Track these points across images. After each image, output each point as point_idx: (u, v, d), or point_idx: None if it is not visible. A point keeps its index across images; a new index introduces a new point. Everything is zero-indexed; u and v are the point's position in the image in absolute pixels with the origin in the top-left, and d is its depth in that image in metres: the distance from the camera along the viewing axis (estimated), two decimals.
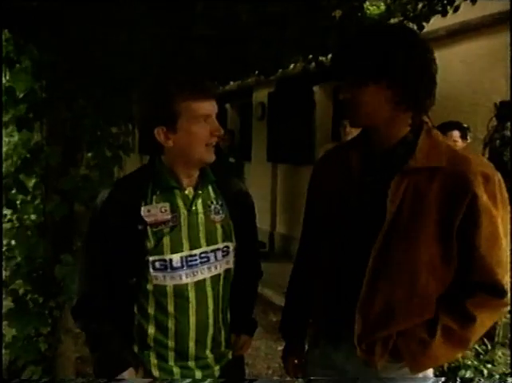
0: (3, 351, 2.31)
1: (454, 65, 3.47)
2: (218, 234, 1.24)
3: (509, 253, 1.07)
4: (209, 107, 1.16)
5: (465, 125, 2.84)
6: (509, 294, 1.06)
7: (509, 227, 1.08)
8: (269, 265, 5.23)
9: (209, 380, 1.27)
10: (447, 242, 1.04)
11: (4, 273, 2.32)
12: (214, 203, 1.25)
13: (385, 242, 1.06)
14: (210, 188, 1.26)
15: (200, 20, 2.22)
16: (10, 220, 2.49)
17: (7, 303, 2.32)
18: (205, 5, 2.15)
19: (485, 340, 1.86)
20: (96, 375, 1.21)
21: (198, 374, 1.24)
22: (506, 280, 1.06)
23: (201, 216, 1.22)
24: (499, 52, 3.06)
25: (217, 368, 1.28)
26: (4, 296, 2.28)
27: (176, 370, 1.22)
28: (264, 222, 6.00)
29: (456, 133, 2.80)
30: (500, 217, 1.05)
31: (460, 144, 2.81)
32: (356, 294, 1.09)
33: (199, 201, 1.23)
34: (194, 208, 1.21)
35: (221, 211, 1.25)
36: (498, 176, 1.06)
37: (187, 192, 1.21)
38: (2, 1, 1.85)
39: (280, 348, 3.27)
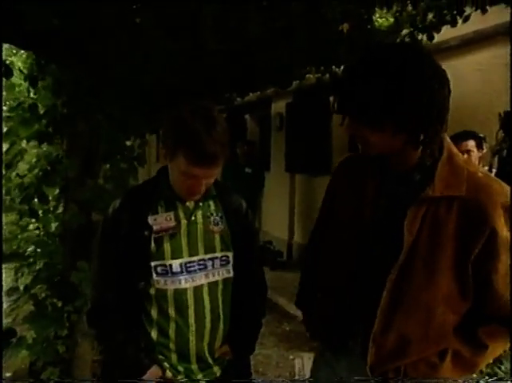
0: (24, 352, 2.43)
1: (470, 74, 3.44)
2: (216, 244, 1.30)
3: None
4: (200, 172, 1.17)
5: (480, 135, 2.80)
6: None
7: None
8: (287, 274, 5.29)
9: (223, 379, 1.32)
10: (465, 276, 1.00)
11: (25, 278, 2.46)
12: (214, 214, 1.32)
13: (401, 273, 1.01)
14: (211, 202, 1.33)
15: (211, 35, 2.31)
16: (37, 228, 2.64)
17: (29, 308, 2.45)
18: (215, 22, 2.25)
19: None
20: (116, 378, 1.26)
21: (200, 376, 1.30)
22: None
23: (200, 226, 1.29)
24: None
25: (217, 368, 1.33)
26: (23, 301, 2.41)
27: (181, 369, 1.29)
28: (282, 231, 6.03)
29: (471, 143, 2.76)
30: None
31: (475, 153, 2.77)
32: (369, 322, 1.06)
33: (199, 212, 1.30)
34: (193, 218, 1.29)
35: (220, 223, 1.32)
36: None
37: (187, 204, 1.30)
38: (24, 21, 2.00)
39: (291, 357, 3.29)
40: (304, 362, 3.14)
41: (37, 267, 2.49)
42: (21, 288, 2.47)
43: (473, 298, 1.03)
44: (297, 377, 2.89)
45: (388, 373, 1.07)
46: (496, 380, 1.61)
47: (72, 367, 2.52)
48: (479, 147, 2.77)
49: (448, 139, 1.06)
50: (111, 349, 1.30)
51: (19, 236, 2.54)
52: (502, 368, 1.68)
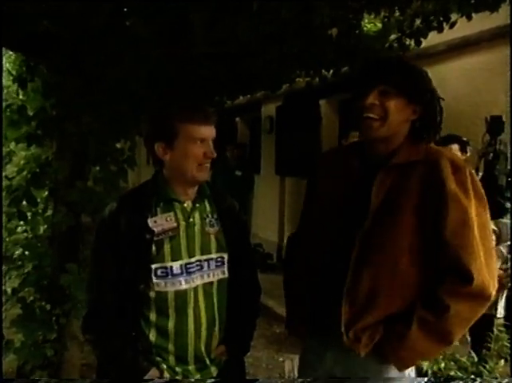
0: (12, 356, 2.41)
1: (455, 78, 3.51)
2: (211, 245, 1.33)
3: (480, 241, 1.11)
4: (205, 131, 1.27)
5: (464, 139, 2.85)
6: (479, 281, 1.09)
7: (484, 220, 1.13)
8: (276, 276, 5.29)
9: (219, 380, 1.34)
10: (423, 230, 1.12)
11: (13, 281, 2.43)
12: (210, 216, 1.35)
13: (369, 230, 1.15)
14: (206, 202, 1.36)
15: (200, 39, 2.33)
16: (25, 231, 2.62)
17: (17, 311, 2.43)
18: (206, 26, 2.26)
19: (471, 352, 1.88)
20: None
21: (197, 377, 1.31)
22: (476, 267, 1.09)
23: (198, 227, 1.31)
24: (499, 66, 3.09)
25: (213, 369, 1.34)
26: (11, 305, 2.39)
27: (179, 370, 1.30)
28: (272, 234, 6.05)
29: (455, 147, 2.80)
30: (472, 207, 1.12)
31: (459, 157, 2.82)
32: (344, 285, 1.16)
33: (197, 214, 1.33)
34: (191, 220, 1.31)
35: (215, 224, 1.34)
36: (469, 169, 1.16)
37: (185, 205, 1.32)
38: (14, 23, 1.99)
39: (281, 359, 3.31)
40: (294, 364, 3.15)
41: (26, 270, 2.46)
42: (9, 291, 2.44)
43: (435, 254, 1.13)
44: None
45: (362, 337, 1.15)
46: (494, 378, 1.65)
47: (61, 371, 2.50)
48: (463, 150, 2.81)
49: None
50: (109, 353, 1.29)
51: (7, 239, 2.52)
52: (487, 366, 1.72)
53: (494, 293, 1.12)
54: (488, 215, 1.16)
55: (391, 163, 1.17)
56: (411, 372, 1.21)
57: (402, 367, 1.15)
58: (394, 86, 1.14)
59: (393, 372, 1.17)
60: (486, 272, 1.11)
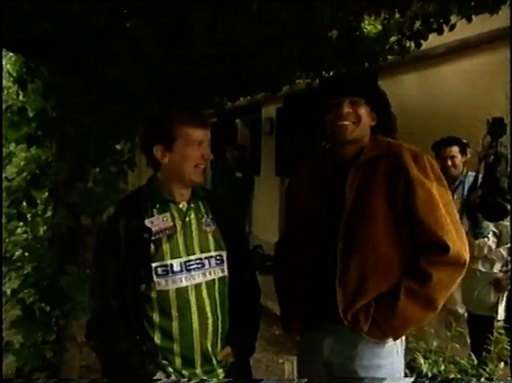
0: (11, 357, 2.40)
1: (455, 81, 3.51)
2: (210, 243, 1.35)
3: (447, 216, 1.25)
4: (202, 135, 1.33)
5: (464, 141, 2.85)
6: (454, 250, 1.22)
7: (447, 198, 1.29)
8: None
9: (229, 379, 1.36)
10: (396, 213, 1.27)
11: (13, 282, 2.43)
12: (205, 216, 1.38)
13: (348, 221, 1.29)
14: (200, 203, 1.39)
15: (200, 40, 2.33)
16: (25, 232, 2.62)
17: (16, 312, 2.42)
18: (206, 27, 2.26)
19: (471, 354, 1.88)
20: None
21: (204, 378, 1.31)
22: (449, 238, 1.23)
23: (194, 227, 1.34)
24: (498, 68, 3.08)
25: (220, 371, 1.34)
26: (10, 306, 2.38)
27: (185, 373, 1.30)
28: (271, 235, 6.04)
29: (455, 149, 2.80)
30: (434, 188, 1.27)
31: (459, 159, 2.81)
32: (335, 275, 1.28)
33: (192, 213, 1.36)
34: (187, 219, 1.34)
35: (211, 224, 1.37)
36: (427, 156, 1.34)
37: (180, 206, 1.35)
38: (14, 25, 1.99)
39: (281, 361, 3.29)
40: (293, 366, 3.15)
41: (25, 271, 2.46)
42: (9, 292, 2.44)
43: (410, 234, 1.27)
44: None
45: (359, 313, 1.26)
46: (490, 380, 1.65)
47: (60, 372, 2.50)
48: (463, 152, 2.81)
49: None
50: (114, 358, 1.29)
51: (7, 240, 2.51)
52: (487, 369, 1.71)
53: (468, 259, 1.26)
54: (449, 193, 1.33)
55: (359, 160, 1.34)
56: (399, 345, 1.31)
57: (396, 336, 1.28)
58: (361, 96, 1.34)
59: (385, 353, 1.28)
60: (459, 241, 1.25)
